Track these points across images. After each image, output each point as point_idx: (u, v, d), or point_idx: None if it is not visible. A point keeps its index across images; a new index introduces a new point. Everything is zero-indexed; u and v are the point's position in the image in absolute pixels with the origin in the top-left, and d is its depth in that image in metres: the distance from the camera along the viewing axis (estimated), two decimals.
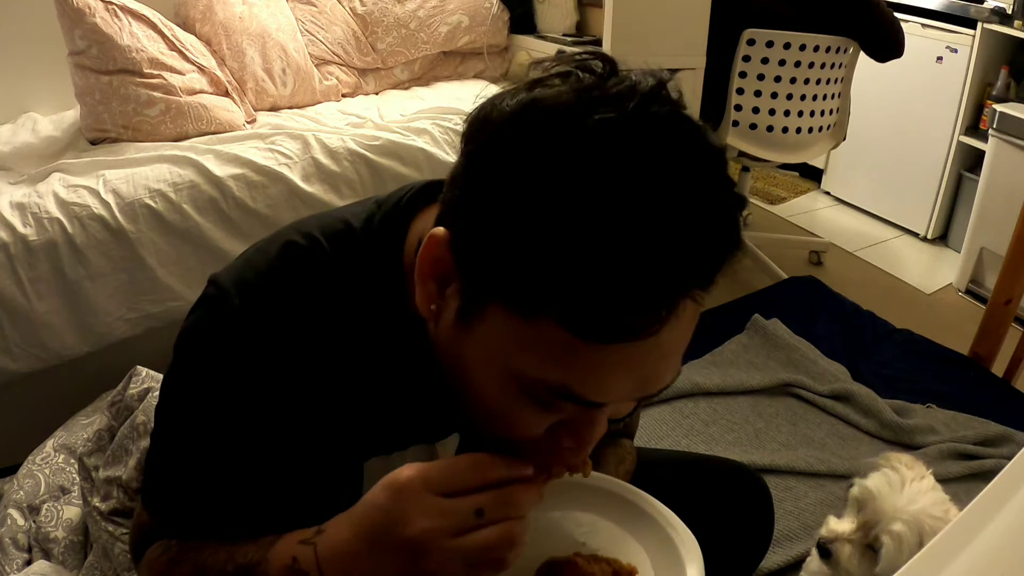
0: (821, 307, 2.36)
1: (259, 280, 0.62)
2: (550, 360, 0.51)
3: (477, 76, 2.51)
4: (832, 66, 2.26)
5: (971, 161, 2.73)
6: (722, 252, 0.51)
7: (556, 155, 0.48)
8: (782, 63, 2.19)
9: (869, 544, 1.02)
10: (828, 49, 2.20)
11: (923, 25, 2.71)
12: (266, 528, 0.63)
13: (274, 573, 0.59)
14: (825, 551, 1.04)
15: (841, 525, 1.05)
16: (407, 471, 0.55)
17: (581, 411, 0.56)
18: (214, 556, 0.63)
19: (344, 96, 2.31)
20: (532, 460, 0.57)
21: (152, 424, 0.83)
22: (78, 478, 1.32)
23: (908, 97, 2.81)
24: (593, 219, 0.47)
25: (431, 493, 0.53)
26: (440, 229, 0.55)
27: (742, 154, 2.37)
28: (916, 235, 2.94)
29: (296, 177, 1.77)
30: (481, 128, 0.53)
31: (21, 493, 1.32)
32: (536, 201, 0.48)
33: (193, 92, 1.91)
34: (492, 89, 0.56)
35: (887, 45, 2.26)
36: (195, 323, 0.63)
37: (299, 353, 0.61)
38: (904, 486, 1.02)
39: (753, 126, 2.28)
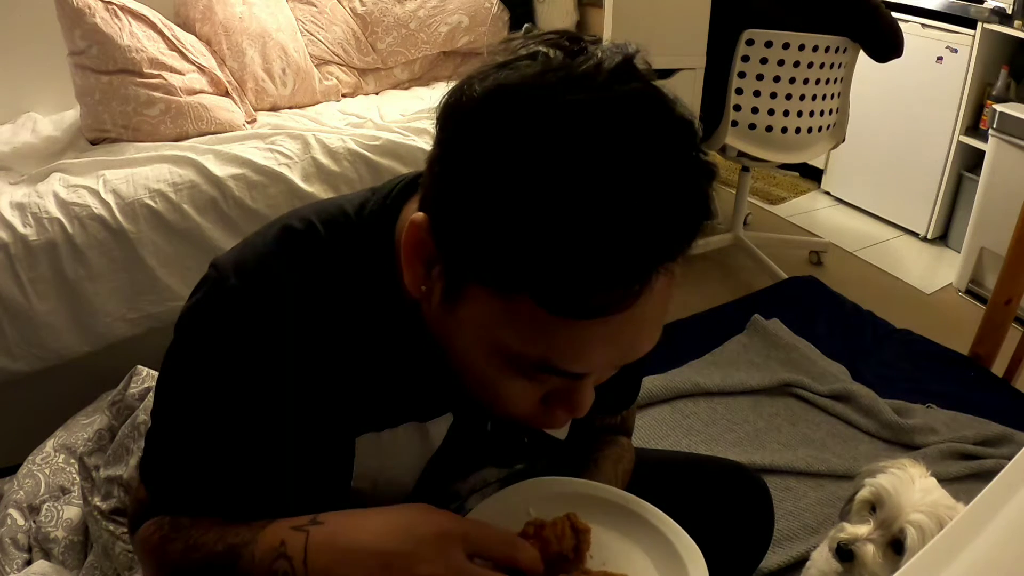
0: (821, 307, 2.36)
1: (256, 261, 0.64)
2: (529, 336, 0.53)
3: None
4: (832, 66, 2.26)
5: (971, 161, 2.72)
6: (691, 225, 0.51)
7: (525, 138, 0.49)
8: (781, 63, 2.19)
9: (891, 542, 1.02)
10: (828, 49, 2.20)
11: (923, 25, 2.71)
12: (258, 503, 0.65)
13: (260, 555, 0.60)
14: (847, 554, 1.04)
15: (858, 528, 1.05)
16: (453, 522, 0.59)
17: (566, 381, 0.58)
18: (205, 535, 0.64)
19: (344, 96, 2.31)
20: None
21: None
22: (78, 478, 1.32)
23: (908, 97, 2.81)
24: (563, 199, 0.48)
25: (462, 551, 0.57)
26: (420, 215, 0.57)
27: (742, 154, 2.37)
28: (916, 235, 2.94)
29: (296, 177, 1.77)
30: (452, 114, 0.54)
31: (21, 493, 1.32)
32: (507, 183, 0.49)
33: (193, 92, 1.91)
34: None
35: (887, 45, 2.26)
36: (194, 303, 0.65)
37: (294, 331, 0.63)
38: (915, 482, 1.04)
39: (752, 126, 2.28)
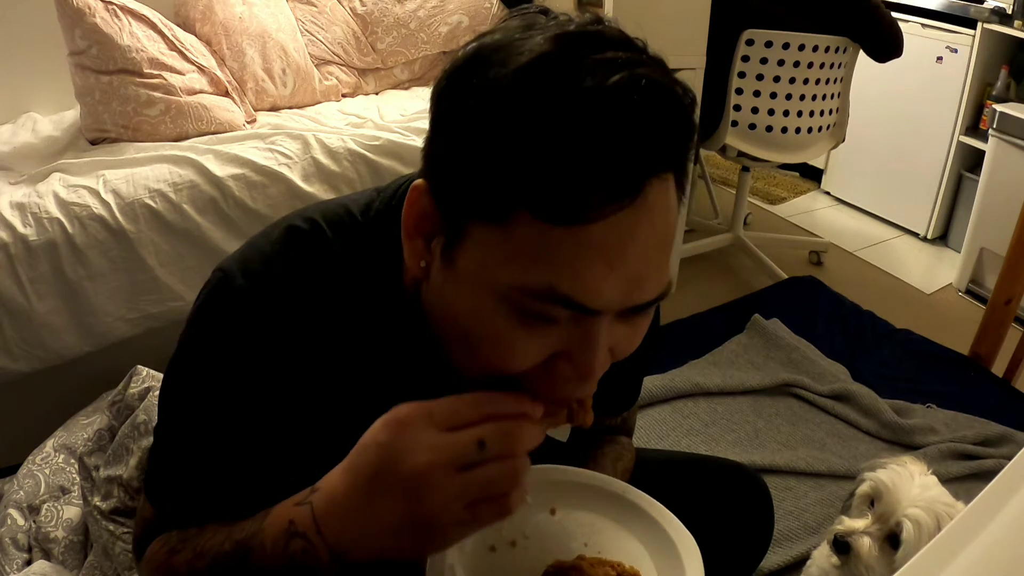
0: (821, 307, 2.36)
1: (262, 261, 0.65)
2: (531, 260, 0.52)
3: None
4: (832, 66, 2.26)
5: (971, 161, 2.73)
6: (673, 132, 0.53)
7: (505, 65, 0.51)
8: (781, 63, 2.19)
9: (887, 536, 1.03)
10: (828, 49, 2.20)
11: (923, 25, 2.71)
12: (266, 505, 0.64)
13: (271, 541, 0.59)
14: (843, 546, 1.04)
15: (855, 522, 1.06)
16: (407, 407, 0.54)
17: (576, 332, 0.55)
18: (212, 539, 0.64)
19: (344, 96, 2.31)
20: (533, 396, 0.57)
21: (153, 423, 0.84)
22: (78, 478, 1.32)
23: (908, 97, 2.81)
24: (545, 106, 0.50)
25: (433, 428, 0.53)
26: (420, 180, 0.58)
27: (742, 154, 2.37)
28: (916, 235, 2.94)
29: (296, 177, 1.77)
30: (444, 75, 0.57)
31: (21, 493, 1.32)
32: (490, 104, 0.51)
33: (193, 92, 1.91)
34: None
35: (887, 46, 2.26)
36: (201, 304, 0.65)
37: (300, 331, 0.63)
38: (914, 478, 1.05)
39: (752, 126, 2.28)
